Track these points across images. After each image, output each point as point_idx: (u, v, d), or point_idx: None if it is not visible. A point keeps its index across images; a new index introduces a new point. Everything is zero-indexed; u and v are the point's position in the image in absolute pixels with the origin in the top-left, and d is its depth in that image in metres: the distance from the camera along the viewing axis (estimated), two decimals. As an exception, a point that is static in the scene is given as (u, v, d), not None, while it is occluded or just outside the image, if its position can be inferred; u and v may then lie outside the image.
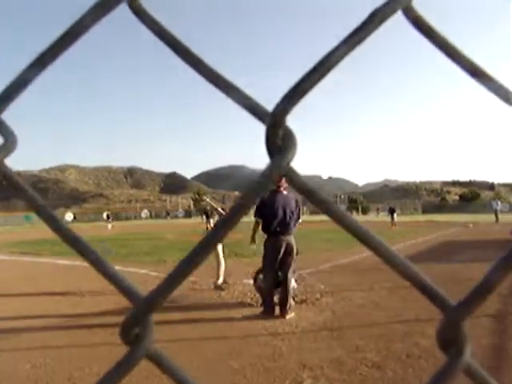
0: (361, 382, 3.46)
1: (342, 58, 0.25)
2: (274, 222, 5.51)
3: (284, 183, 5.69)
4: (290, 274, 5.59)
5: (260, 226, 5.68)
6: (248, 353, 4.16)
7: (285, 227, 5.53)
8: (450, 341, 0.25)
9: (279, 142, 0.26)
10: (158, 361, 0.28)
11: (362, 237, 0.26)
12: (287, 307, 5.43)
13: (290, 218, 5.54)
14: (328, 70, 0.25)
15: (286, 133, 0.26)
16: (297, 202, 5.72)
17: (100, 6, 0.27)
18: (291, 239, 5.62)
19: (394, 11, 0.25)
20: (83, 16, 0.27)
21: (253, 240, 5.94)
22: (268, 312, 5.50)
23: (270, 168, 0.25)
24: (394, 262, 0.27)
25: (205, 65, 0.28)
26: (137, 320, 0.28)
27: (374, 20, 0.25)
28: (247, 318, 5.43)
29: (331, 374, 3.59)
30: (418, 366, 3.67)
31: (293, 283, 5.87)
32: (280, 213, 5.49)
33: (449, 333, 0.25)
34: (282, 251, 5.52)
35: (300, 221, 5.80)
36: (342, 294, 6.54)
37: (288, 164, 0.26)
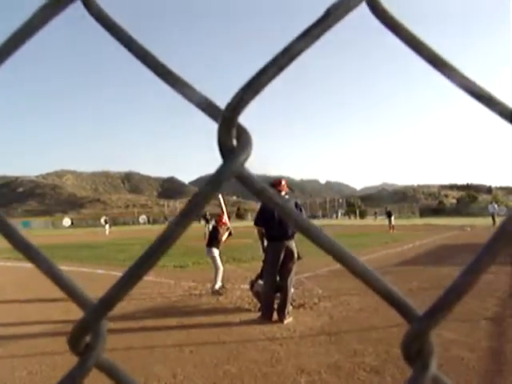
0: (358, 387, 3.43)
1: (298, 53, 0.23)
2: (273, 228, 5.47)
3: (283, 187, 5.67)
4: (289, 280, 5.54)
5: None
6: (245, 358, 4.12)
7: (285, 232, 5.48)
8: (416, 352, 0.24)
9: (232, 141, 0.24)
10: (109, 372, 0.27)
11: (329, 248, 0.25)
12: (285, 312, 5.39)
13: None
14: (281, 69, 0.23)
15: (240, 132, 0.24)
16: (297, 205, 5.67)
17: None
18: (292, 244, 5.58)
19: (357, 3, 0.24)
20: (36, 12, 0.26)
21: (263, 247, 5.83)
22: (266, 317, 5.46)
23: (220, 170, 0.23)
24: (362, 274, 0.25)
25: (153, 58, 0.27)
26: (87, 328, 0.26)
27: (334, 13, 0.23)
28: (245, 322, 5.40)
29: (329, 379, 3.56)
30: (416, 371, 3.64)
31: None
32: (279, 218, 5.45)
33: (414, 344, 0.24)
34: (283, 256, 5.49)
35: None
36: (340, 299, 6.51)
37: (242, 165, 0.24)
